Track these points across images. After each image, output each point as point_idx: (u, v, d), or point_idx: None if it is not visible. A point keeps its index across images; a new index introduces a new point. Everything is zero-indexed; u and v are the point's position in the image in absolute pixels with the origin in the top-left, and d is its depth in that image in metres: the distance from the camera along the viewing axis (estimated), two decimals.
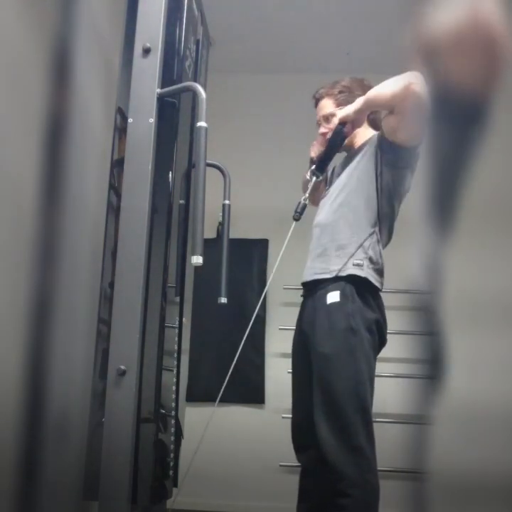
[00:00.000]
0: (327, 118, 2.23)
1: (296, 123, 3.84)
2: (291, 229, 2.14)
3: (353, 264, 2.00)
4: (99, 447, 1.66)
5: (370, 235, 2.03)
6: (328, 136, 2.19)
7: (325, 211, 2.16)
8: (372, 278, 2.01)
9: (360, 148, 2.14)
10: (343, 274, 1.99)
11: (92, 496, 1.67)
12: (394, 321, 2.12)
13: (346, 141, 2.18)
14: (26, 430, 1.79)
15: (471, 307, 3.32)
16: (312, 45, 3.78)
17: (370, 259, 2.01)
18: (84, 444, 1.79)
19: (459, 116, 1.16)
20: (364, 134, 2.21)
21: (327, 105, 2.24)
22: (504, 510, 3.26)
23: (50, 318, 1.94)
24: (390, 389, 2.43)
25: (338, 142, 2.15)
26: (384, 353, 2.08)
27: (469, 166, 1.29)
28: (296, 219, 2.12)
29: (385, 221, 2.08)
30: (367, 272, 2.00)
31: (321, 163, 2.20)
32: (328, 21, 3.59)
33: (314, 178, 2.19)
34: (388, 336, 2.07)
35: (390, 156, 2.03)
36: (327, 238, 2.09)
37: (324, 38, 3.71)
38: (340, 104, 2.20)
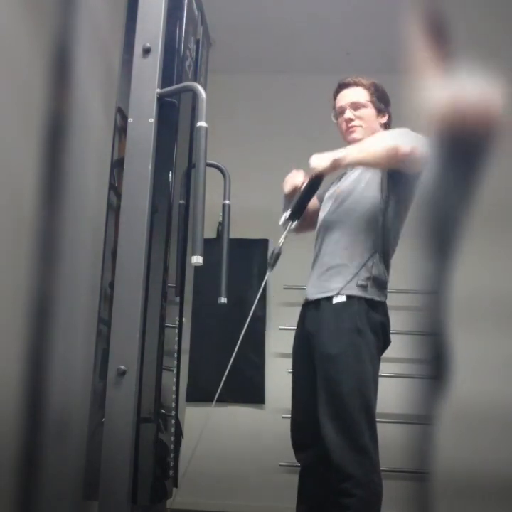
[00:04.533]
0: (358, 106, 2.14)
1: (297, 123, 3.85)
2: (266, 277, 2.09)
3: (357, 285, 1.98)
4: (99, 447, 1.66)
5: (373, 254, 2.02)
6: (303, 185, 2.08)
7: (330, 223, 2.13)
8: (376, 296, 2.00)
9: None
10: (347, 294, 1.99)
11: (92, 495, 1.67)
12: (395, 321, 2.12)
13: (357, 137, 2.14)
14: (26, 430, 1.79)
15: (472, 307, 3.32)
16: (312, 45, 3.78)
17: (374, 279, 2.00)
18: (84, 444, 1.79)
19: (462, 158, 1.44)
20: (372, 131, 2.17)
21: (361, 94, 2.16)
22: (504, 509, 3.25)
23: (50, 319, 1.94)
24: (391, 389, 2.43)
25: (313, 193, 2.09)
26: (385, 353, 2.08)
27: (469, 199, 1.51)
28: (271, 268, 2.03)
29: (388, 238, 2.06)
30: (371, 292, 1.99)
31: (296, 213, 2.10)
32: (328, 21, 3.59)
33: (289, 225, 2.09)
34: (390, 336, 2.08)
35: (394, 180, 2.02)
36: (330, 257, 2.08)
37: (324, 38, 3.71)
38: (373, 100, 2.14)
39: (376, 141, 2.00)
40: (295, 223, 2.08)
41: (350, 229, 2.06)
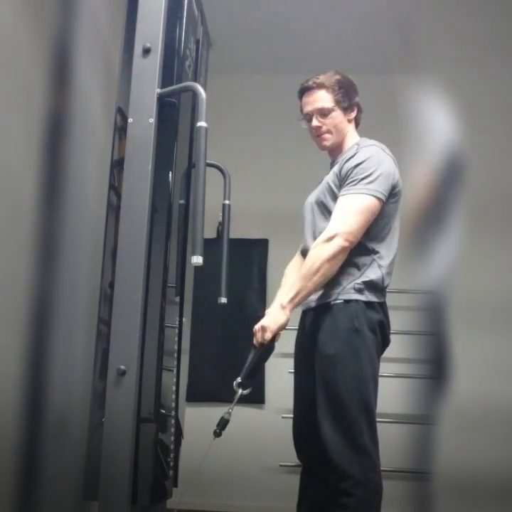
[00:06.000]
0: (324, 113, 2.10)
1: (296, 123, 3.84)
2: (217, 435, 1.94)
3: (354, 289, 1.98)
4: (99, 447, 1.66)
5: (371, 263, 2.01)
6: (257, 349, 2.01)
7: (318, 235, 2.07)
8: (375, 297, 2.00)
9: (344, 160, 2.06)
10: (344, 298, 1.99)
11: (92, 495, 1.67)
12: (395, 321, 2.12)
13: (334, 146, 2.14)
14: (26, 430, 1.79)
15: (472, 307, 3.32)
16: (312, 45, 3.78)
17: (371, 283, 1.99)
18: (84, 444, 1.79)
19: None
20: (351, 136, 2.15)
21: (325, 98, 2.11)
22: (504, 509, 3.25)
23: (50, 318, 1.94)
24: (391, 389, 2.43)
25: (268, 355, 2.04)
26: (385, 352, 2.08)
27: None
28: (217, 435, 1.92)
29: (382, 242, 2.04)
30: (368, 295, 1.99)
31: (251, 377, 2.03)
32: (328, 21, 3.59)
33: (240, 391, 2.01)
34: (390, 336, 2.08)
35: None
36: None
37: (324, 38, 3.71)
38: (338, 101, 2.10)
39: (315, 258, 1.96)
40: (247, 390, 2.03)
41: None
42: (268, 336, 1.98)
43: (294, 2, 3.49)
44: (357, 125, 2.19)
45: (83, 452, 1.78)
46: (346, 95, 2.12)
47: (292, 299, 1.98)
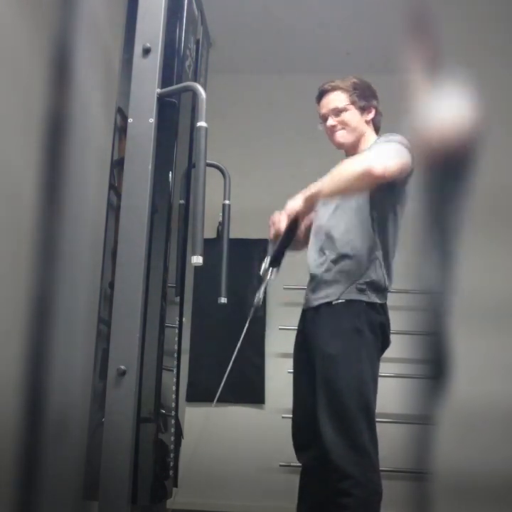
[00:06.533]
0: (338, 112, 2.14)
1: (296, 123, 3.84)
2: (246, 326, 2.05)
3: (356, 289, 1.98)
4: (99, 447, 1.66)
5: (372, 262, 2.01)
6: (283, 230, 2.05)
7: (325, 229, 2.11)
8: (377, 298, 2.00)
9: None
10: (347, 298, 1.99)
11: (92, 495, 1.67)
12: (395, 321, 2.12)
13: (350, 145, 2.15)
14: (26, 430, 1.79)
15: (472, 307, 3.32)
16: (312, 45, 3.78)
17: (372, 283, 2.00)
18: (84, 444, 1.79)
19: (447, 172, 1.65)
20: (368, 137, 2.17)
21: (339, 98, 2.15)
22: (504, 509, 3.25)
23: (50, 318, 1.94)
24: (390, 389, 2.43)
25: (291, 237, 2.07)
26: (385, 353, 2.08)
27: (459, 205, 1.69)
28: (251, 319, 2.02)
29: (385, 241, 2.05)
30: (370, 296, 1.99)
31: (277, 259, 2.08)
32: (328, 21, 3.59)
33: (270, 273, 2.07)
34: (390, 336, 2.08)
35: (383, 189, 2.01)
36: (329, 265, 2.06)
37: (324, 38, 3.71)
38: (353, 101, 2.14)
39: (347, 167, 1.98)
40: (275, 272, 2.06)
41: (344, 235, 2.05)
42: (282, 217, 2.02)
43: (294, 2, 3.49)
44: (377, 130, 2.20)
45: (83, 452, 1.78)
46: (362, 96, 2.15)
47: (310, 191, 1.98)
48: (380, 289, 2.01)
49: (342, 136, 2.16)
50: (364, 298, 1.98)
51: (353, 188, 1.97)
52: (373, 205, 2.03)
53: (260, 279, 2.07)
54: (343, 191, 1.98)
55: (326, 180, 1.99)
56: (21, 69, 1.78)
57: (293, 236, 2.08)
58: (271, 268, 2.05)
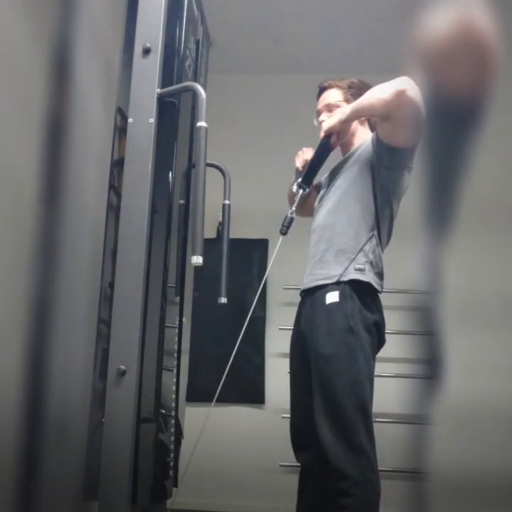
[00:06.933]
0: (331, 108, 2.20)
1: (296, 123, 3.84)
2: (279, 243, 2.11)
3: (355, 269, 1.98)
4: (99, 447, 1.66)
5: (370, 238, 2.02)
6: (315, 149, 2.14)
7: (322, 216, 2.13)
8: (374, 282, 2.00)
9: (356, 150, 2.13)
10: (345, 278, 1.98)
11: (92, 496, 1.67)
12: (393, 321, 2.12)
13: (343, 140, 2.17)
14: (26, 430, 1.79)
15: (472, 307, 3.32)
16: (312, 45, 3.78)
17: (371, 263, 2.00)
18: (84, 444, 1.79)
19: (454, 118, 1.23)
20: (361, 134, 2.20)
21: (334, 95, 2.21)
22: (504, 509, 3.26)
23: (50, 318, 1.94)
24: (389, 389, 2.43)
25: (324, 155, 2.11)
26: (383, 352, 2.08)
27: (466, 165, 1.38)
28: (284, 233, 2.08)
29: (384, 223, 2.07)
30: (369, 276, 1.99)
31: (308, 177, 2.14)
32: (329, 21, 3.59)
33: (301, 191, 2.14)
34: (387, 336, 2.07)
35: (387, 159, 2.01)
36: (326, 244, 2.07)
37: (325, 38, 3.71)
38: (347, 99, 2.17)
39: (379, 88, 1.98)
40: (307, 190, 2.14)
41: (345, 214, 2.06)
42: (321, 134, 2.08)
43: (294, 2, 3.49)
44: (374, 129, 2.19)
45: (83, 452, 1.78)
46: (357, 95, 2.16)
47: (348, 111, 2.02)
48: (378, 272, 2.02)
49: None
50: (362, 278, 1.97)
51: (386, 105, 1.93)
52: (379, 178, 2.04)
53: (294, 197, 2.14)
54: (376, 109, 1.98)
55: (359, 101, 2.01)
56: (21, 69, 1.77)
57: (326, 155, 2.12)
58: (301, 187, 2.12)
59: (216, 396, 2.01)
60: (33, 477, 1.84)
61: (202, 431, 2.03)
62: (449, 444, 2.78)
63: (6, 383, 1.69)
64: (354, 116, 2.05)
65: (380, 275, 2.04)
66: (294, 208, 2.10)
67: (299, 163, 2.25)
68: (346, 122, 2.07)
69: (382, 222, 2.05)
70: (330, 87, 2.23)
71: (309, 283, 2.08)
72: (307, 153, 2.22)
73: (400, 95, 1.88)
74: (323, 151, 2.11)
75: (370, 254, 2.01)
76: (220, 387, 2.01)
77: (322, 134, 2.10)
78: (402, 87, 1.87)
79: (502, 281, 3.58)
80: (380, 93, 1.95)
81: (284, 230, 2.08)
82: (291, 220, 2.10)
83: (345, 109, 2.06)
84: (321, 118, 2.22)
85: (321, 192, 2.23)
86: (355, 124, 2.18)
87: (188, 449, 2.15)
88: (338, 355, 1.94)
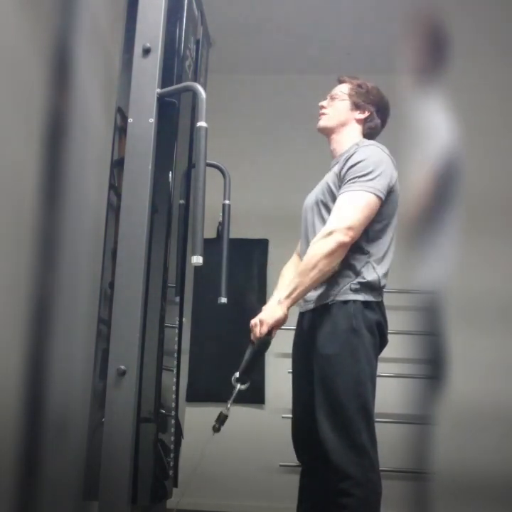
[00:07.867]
0: (333, 97, 2.21)
1: (296, 123, 3.85)
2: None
3: (351, 289, 1.98)
4: (99, 447, 1.66)
5: (366, 264, 2.00)
6: (256, 344, 2.00)
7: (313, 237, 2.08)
8: (372, 297, 1.99)
9: (343, 160, 2.07)
10: (341, 299, 1.98)
11: (92, 495, 1.67)
12: (394, 321, 2.12)
13: (329, 131, 2.19)
14: (26, 430, 1.79)
15: (473, 307, 3.32)
16: (312, 45, 3.78)
17: (367, 284, 1.99)
18: (84, 444, 1.79)
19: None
20: (347, 138, 2.16)
21: (341, 88, 2.22)
22: (504, 509, 3.26)
23: (50, 319, 1.94)
24: (390, 389, 2.43)
25: (263, 351, 2.02)
26: (384, 353, 2.08)
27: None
28: (217, 431, 1.95)
29: (378, 243, 2.03)
30: (365, 295, 1.98)
31: (247, 372, 2.00)
32: (329, 21, 3.59)
33: (238, 386, 1.98)
34: (389, 336, 2.08)
35: None
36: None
37: (324, 38, 3.71)
38: (350, 95, 2.18)
39: (314, 253, 1.96)
40: (245, 385, 1.99)
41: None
42: (264, 329, 1.97)
43: (294, 2, 3.49)
44: (368, 135, 2.19)
45: (83, 452, 1.78)
46: (361, 95, 2.18)
47: (289, 294, 1.97)
48: (375, 288, 2.01)
49: (322, 120, 2.21)
50: (359, 297, 1.97)
51: (332, 264, 1.95)
52: None
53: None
54: (323, 274, 1.96)
55: (299, 279, 1.97)
56: (21, 69, 1.77)
57: (262, 354, 2.05)
58: (240, 382, 1.98)
59: (230, 402, 1.97)
60: (33, 477, 1.84)
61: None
62: (453, 444, 2.79)
63: (7, 383, 1.69)
64: (295, 301, 1.99)
65: (377, 289, 2.01)
66: (229, 406, 1.95)
67: (253, 336, 2.02)
68: (282, 320, 1.98)
69: (373, 244, 2.02)
70: (343, 81, 2.25)
71: (307, 304, 2.06)
72: (263, 327, 1.98)
73: (337, 251, 1.92)
74: (263, 346, 2.00)
75: (366, 275, 1.97)
76: (234, 395, 1.98)
77: (267, 328, 1.97)
78: (333, 244, 1.91)
79: (502, 281, 3.58)
80: (316, 266, 1.93)
81: (217, 428, 1.95)
82: (225, 418, 1.96)
83: (289, 294, 1.97)
84: (320, 102, 2.24)
85: (315, 194, 2.19)
86: (348, 118, 2.17)
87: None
88: (341, 356, 1.94)
